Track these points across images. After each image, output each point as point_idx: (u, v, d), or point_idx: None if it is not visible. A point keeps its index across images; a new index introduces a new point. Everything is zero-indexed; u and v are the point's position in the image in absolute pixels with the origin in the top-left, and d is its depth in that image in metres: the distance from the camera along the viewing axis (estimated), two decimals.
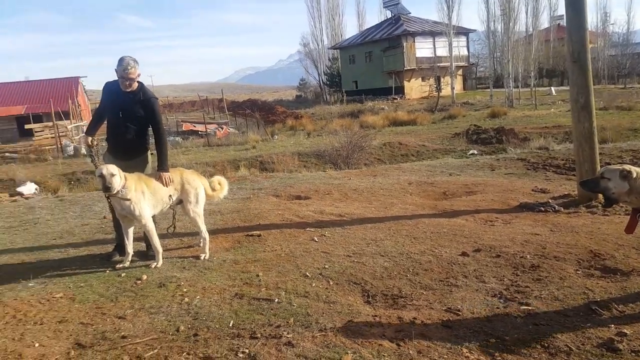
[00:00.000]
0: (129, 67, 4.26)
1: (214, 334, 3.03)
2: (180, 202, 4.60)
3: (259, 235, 5.12)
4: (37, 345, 3.01)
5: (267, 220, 5.76)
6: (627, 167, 3.09)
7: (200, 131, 25.04)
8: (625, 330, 2.82)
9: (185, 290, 3.77)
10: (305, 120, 29.40)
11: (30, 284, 4.07)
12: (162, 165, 4.44)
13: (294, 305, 3.39)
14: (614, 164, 3.36)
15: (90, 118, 5.24)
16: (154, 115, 4.52)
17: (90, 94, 46.89)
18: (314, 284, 3.78)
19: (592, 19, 51.53)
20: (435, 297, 3.48)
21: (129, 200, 4.13)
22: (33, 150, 22.66)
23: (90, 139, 4.55)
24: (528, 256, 4.14)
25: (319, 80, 55.65)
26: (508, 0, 32.30)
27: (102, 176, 3.98)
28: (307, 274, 4.00)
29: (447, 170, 9.10)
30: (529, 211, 5.72)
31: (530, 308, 3.20)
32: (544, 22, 40.27)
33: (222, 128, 26.79)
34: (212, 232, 5.05)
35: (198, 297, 3.61)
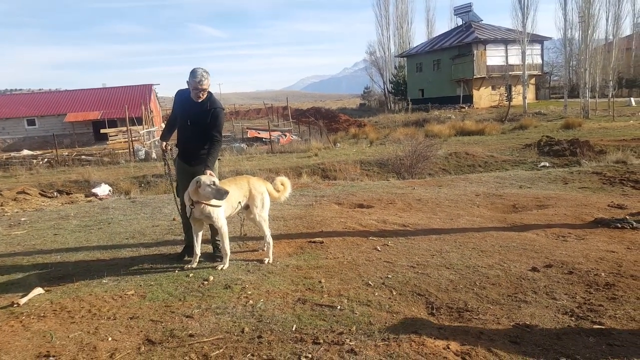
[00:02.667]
0: (203, 79, 4.51)
1: (277, 337, 3.12)
2: (247, 207, 4.83)
3: (322, 242, 5.25)
4: (110, 339, 3.20)
5: (329, 227, 5.89)
6: None
7: (265, 138, 25.86)
8: None
9: (249, 292, 3.91)
10: (368, 128, 29.40)
11: (104, 281, 4.32)
12: (209, 165, 4.65)
13: (356, 313, 3.45)
14: None
15: (164, 124, 5.70)
16: (216, 123, 4.78)
17: (162, 101, 49.70)
18: (376, 293, 3.83)
19: None
20: (503, 312, 3.43)
21: (218, 206, 4.44)
22: (107, 153, 23.92)
23: (164, 144, 4.93)
24: (603, 274, 3.96)
25: (384, 89, 55.53)
26: (587, 7, 30.44)
27: (214, 185, 4.27)
28: (370, 282, 4.05)
29: (517, 183, 8.79)
30: (605, 227, 5.42)
31: (603, 327, 3.08)
32: (626, 29, 37.54)
33: (285, 135, 27.50)
34: (275, 238, 5.23)
35: (262, 300, 3.75)
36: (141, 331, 3.32)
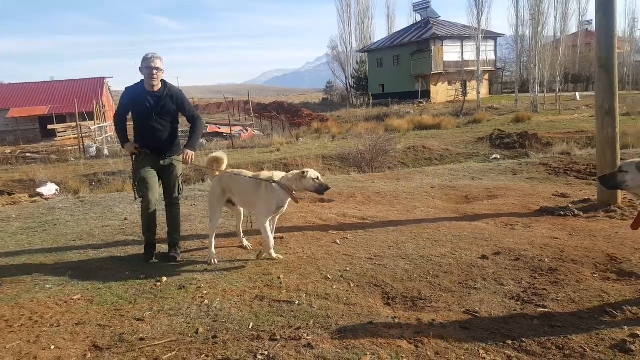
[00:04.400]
0: (155, 58, 4.40)
1: (233, 336, 3.11)
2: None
3: (281, 238, 5.26)
4: (52, 347, 3.06)
5: (289, 222, 5.92)
6: None
7: (225, 133, 25.48)
8: (638, 332, 2.88)
9: (205, 292, 3.86)
10: (330, 123, 29.56)
11: (48, 286, 4.13)
12: (192, 145, 4.67)
13: (314, 307, 3.50)
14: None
15: (113, 125, 5.44)
16: (185, 103, 4.73)
17: (115, 95, 47.85)
18: (335, 286, 3.89)
19: (620, 24, 50.39)
20: (454, 299, 3.58)
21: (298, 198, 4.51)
22: (55, 150, 22.73)
23: (135, 145, 4.64)
24: (546, 259, 4.20)
25: (346, 84, 55.94)
26: (538, 4, 31.80)
27: (318, 179, 4.33)
28: (329, 276, 4.12)
29: (470, 175, 9.11)
30: (549, 215, 5.74)
31: (547, 310, 3.28)
32: (572, 27, 39.53)
33: (247, 130, 27.23)
34: (233, 235, 5.25)
35: (218, 299, 3.71)
36: (87, 337, 3.21)
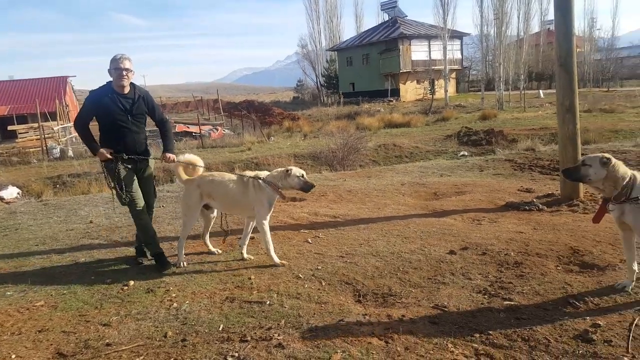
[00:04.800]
0: (124, 59, 4.25)
1: (203, 339, 3.07)
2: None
3: (252, 238, 5.19)
4: (13, 356, 2.97)
5: None
6: (607, 154, 3.26)
7: (194, 132, 25.02)
8: (599, 322, 2.99)
9: (174, 295, 3.80)
10: (302, 121, 29.47)
11: (9, 293, 4.00)
12: (172, 149, 4.59)
13: (285, 307, 3.49)
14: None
15: (75, 131, 5.13)
16: (155, 105, 4.61)
17: (79, 94, 46.27)
18: (306, 285, 3.89)
19: (579, 24, 52.23)
20: (424, 295, 3.63)
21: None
22: (16, 152, 21.72)
23: (110, 151, 4.34)
24: (512, 253, 4.31)
25: (317, 82, 55.92)
26: (501, 4, 32.63)
27: (303, 177, 4.30)
28: (300, 275, 4.11)
29: (439, 171, 9.27)
30: (515, 210, 5.90)
31: (512, 303, 3.37)
32: (535, 27, 40.76)
33: (217, 129, 26.82)
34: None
35: (187, 301, 3.66)
36: (51, 344, 3.11)
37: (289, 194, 6.54)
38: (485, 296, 3.52)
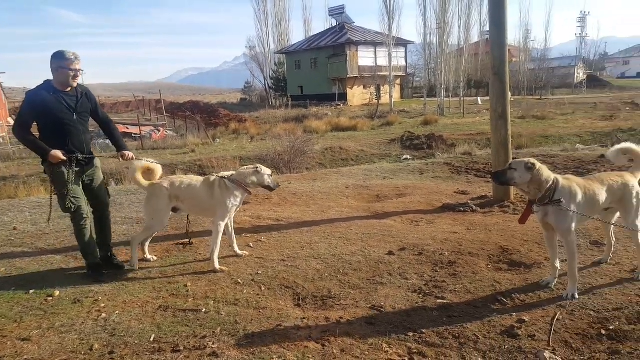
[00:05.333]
0: (77, 57, 3.99)
1: (132, 350, 2.93)
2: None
3: (191, 243, 5.08)
4: None
5: (200, 227, 5.72)
6: (532, 160, 3.46)
7: (134, 133, 24.02)
8: (524, 318, 3.16)
9: (103, 305, 3.61)
10: (249, 124, 29.17)
11: None
12: (126, 146, 4.42)
13: (222, 314, 3.40)
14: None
15: (11, 118, 4.79)
16: (97, 104, 4.38)
17: (8, 92, 43.11)
18: (245, 291, 3.82)
19: (516, 35, 55.74)
20: (362, 296, 3.67)
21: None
22: None
23: (62, 152, 3.98)
24: (446, 253, 4.47)
25: (265, 84, 55.60)
26: (443, 15, 34.07)
27: (271, 175, 4.41)
28: (239, 280, 4.03)
29: (382, 174, 9.46)
30: (450, 211, 6.13)
31: (445, 301, 3.48)
32: (474, 37, 42.94)
33: (158, 130, 25.93)
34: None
35: (117, 312, 3.49)
36: None
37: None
38: (420, 295, 3.62)
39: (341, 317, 3.28)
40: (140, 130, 23.35)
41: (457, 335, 3.00)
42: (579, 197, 3.42)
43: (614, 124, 22.32)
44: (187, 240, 5.15)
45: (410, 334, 3.04)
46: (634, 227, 3.61)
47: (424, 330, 3.07)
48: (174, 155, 17.85)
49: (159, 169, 4.52)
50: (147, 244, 4.73)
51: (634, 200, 3.60)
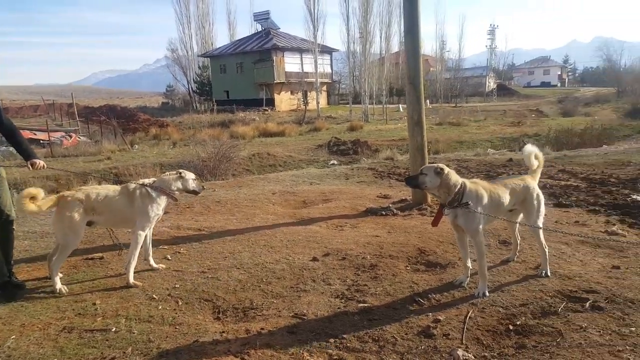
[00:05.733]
0: None
1: None
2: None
3: (101, 258, 4.74)
4: None
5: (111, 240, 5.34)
6: (441, 165, 3.62)
7: (42, 140, 22.13)
8: (439, 317, 3.28)
9: None
10: (171, 129, 28.08)
11: None
12: (33, 154, 4.05)
13: (134, 333, 3.19)
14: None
15: None
16: (1, 109, 3.96)
17: None
18: (160, 307, 3.61)
19: (432, 46, 59.25)
20: (285, 305, 3.61)
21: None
22: None
23: None
24: (368, 257, 4.54)
25: (189, 88, 53.85)
26: (365, 25, 35.29)
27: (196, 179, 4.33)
28: (154, 296, 3.81)
29: (309, 180, 9.50)
30: (373, 215, 6.28)
31: (366, 305, 3.52)
32: (395, 47, 44.85)
33: (70, 136, 24.12)
34: (41, 259, 4.55)
35: (13, 336, 3.15)
36: None
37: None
38: (343, 300, 3.63)
39: (262, 328, 3.20)
40: (49, 136, 21.55)
41: (376, 338, 3.04)
42: (485, 199, 3.64)
43: (521, 129, 24.44)
44: (119, 250, 4.85)
45: (332, 340, 3.03)
46: (536, 226, 3.91)
47: (345, 336, 3.08)
48: (87, 163, 16.71)
49: (39, 194, 3.93)
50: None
51: (535, 202, 3.90)
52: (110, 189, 4.16)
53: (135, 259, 4.08)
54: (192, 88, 53.28)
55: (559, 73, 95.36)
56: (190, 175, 4.31)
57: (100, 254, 4.81)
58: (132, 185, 4.17)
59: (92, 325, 3.31)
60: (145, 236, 4.26)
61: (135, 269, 4.22)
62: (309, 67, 45.48)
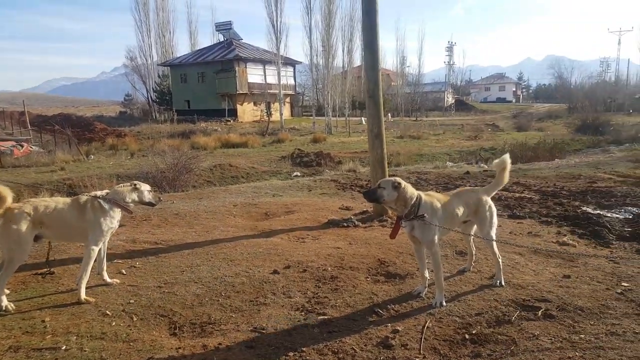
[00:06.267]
0: None
1: None
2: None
3: (52, 273, 4.52)
4: None
5: (64, 254, 5.13)
6: (398, 179, 3.70)
7: None
8: (398, 328, 3.33)
9: None
10: (129, 139, 27.34)
11: None
12: None
13: (85, 351, 3.06)
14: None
15: None
16: None
17: None
18: (114, 323, 3.49)
19: (393, 61, 60.76)
20: (244, 319, 3.56)
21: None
22: None
23: None
24: (329, 268, 4.56)
25: (148, 97, 52.70)
26: (328, 38, 35.80)
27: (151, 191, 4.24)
28: (108, 312, 3.67)
29: (271, 192, 9.45)
30: (335, 227, 6.32)
31: (326, 317, 3.53)
32: (357, 60, 45.62)
33: (22, 146, 22.99)
34: None
35: None
36: None
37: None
38: (303, 313, 3.62)
39: (220, 343, 3.14)
40: None
41: (336, 350, 3.05)
42: (440, 211, 3.75)
43: (478, 143, 25.33)
44: (47, 269, 4.57)
45: (291, 354, 3.01)
46: (489, 237, 4.04)
47: (304, 349, 3.06)
48: (40, 174, 15.96)
49: (6, 196, 3.78)
50: None
51: (487, 213, 4.04)
52: (60, 202, 3.99)
53: (88, 274, 3.93)
54: (151, 97, 52.22)
55: (514, 89, 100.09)
56: (145, 187, 4.23)
57: (51, 269, 4.58)
58: (83, 198, 4.01)
59: (41, 343, 3.16)
60: (100, 250, 4.12)
61: (88, 284, 4.06)
62: (272, 79, 45.54)
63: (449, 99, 72.30)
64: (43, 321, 3.50)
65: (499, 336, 3.20)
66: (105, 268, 4.30)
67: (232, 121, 42.05)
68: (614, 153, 16.45)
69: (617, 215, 6.69)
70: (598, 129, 28.12)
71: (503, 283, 4.09)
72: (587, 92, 55.65)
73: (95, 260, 4.05)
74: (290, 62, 48.59)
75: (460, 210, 3.90)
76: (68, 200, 4.03)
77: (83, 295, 3.88)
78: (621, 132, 25.95)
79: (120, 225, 6.48)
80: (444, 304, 3.70)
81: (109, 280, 4.29)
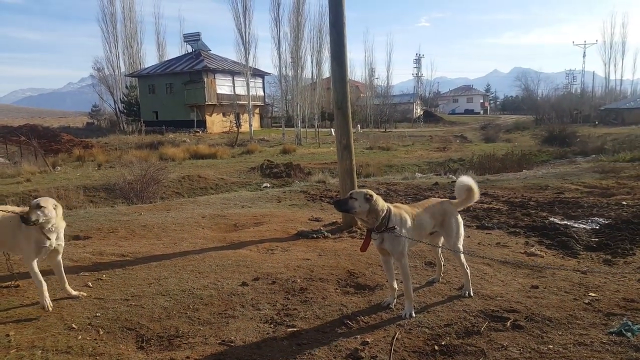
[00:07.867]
0: None
1: None
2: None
3: (17, 286, 4.41)
4: None
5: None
6: (370, 191, 3.75)
7: None
8: (367, 339, 3.36)
9: None
10: (96, 150, 26.79)
11: None
12: None
13: None
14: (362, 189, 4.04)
15: None
16: None
17: None
18: (80, 337, 3.42)
19: (362, 73, 61.70)
20: (212, 332, 3.53)
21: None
22: None
23: None
24: (299, 280, 4.57)
25: (115, 108, 51.75)
26: (297, 50, 36.12)
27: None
28: (74, 325, 3.59)
29: (240, 203, 9.40)
30: (304, 238, 6.33)
31: (295, 329, 3.54)
32: (326, 72, 46.01)
33: None
34: None
35: None
36: None
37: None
38: (272, 325, 3.62)
39: (188, 357, 3.11)
40: None
41: None
42: (409, 222, 3.83)
43: (447, 154, 25.96)
44: (13, 281, 4.48)
45: None
46: (456, 248, 4.09)
47: None
48: (5, 186, 15.47)
49: None
50: None
51: (454, 225, 4.11)
52: (8, 209, 4.00)
53: (40, 285, 3.92)
54: (119, 108, 51.31)
55: (482, 101, 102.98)
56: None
57: (15, 282, 4.46)
58: (17, 209, 3.99)
59: (5, 358, 3.09)
60: (57, 264, 4.11)
61: (53, 297, 4.03)
62: (241, 90, 45.47)
63: (418, 111, 73.75)
64: (7, 335, 3.42)
65: (468, 347, 3.23)
66: (66, 281, 4.23)
67: (201, 132, 41.67)
68: (581, 164, 16.87)
69: (584, 226, 6.74)
70: (565, 141, 28.67)
71: (472, 294, 4.13)
72: (554, 103, 57.34)
73: (54, 274, 4.01)
74: (259, 74, 48.72)
75: (427, 222, 3.98)
76: (18, 209, 4.02)
77: (48, 302, 3.90)
78: (587, 143, 26.61)
79: (85, 238, 6.38)
80: (414, 315, 3.73)
81: (74, 293, 4.21)
